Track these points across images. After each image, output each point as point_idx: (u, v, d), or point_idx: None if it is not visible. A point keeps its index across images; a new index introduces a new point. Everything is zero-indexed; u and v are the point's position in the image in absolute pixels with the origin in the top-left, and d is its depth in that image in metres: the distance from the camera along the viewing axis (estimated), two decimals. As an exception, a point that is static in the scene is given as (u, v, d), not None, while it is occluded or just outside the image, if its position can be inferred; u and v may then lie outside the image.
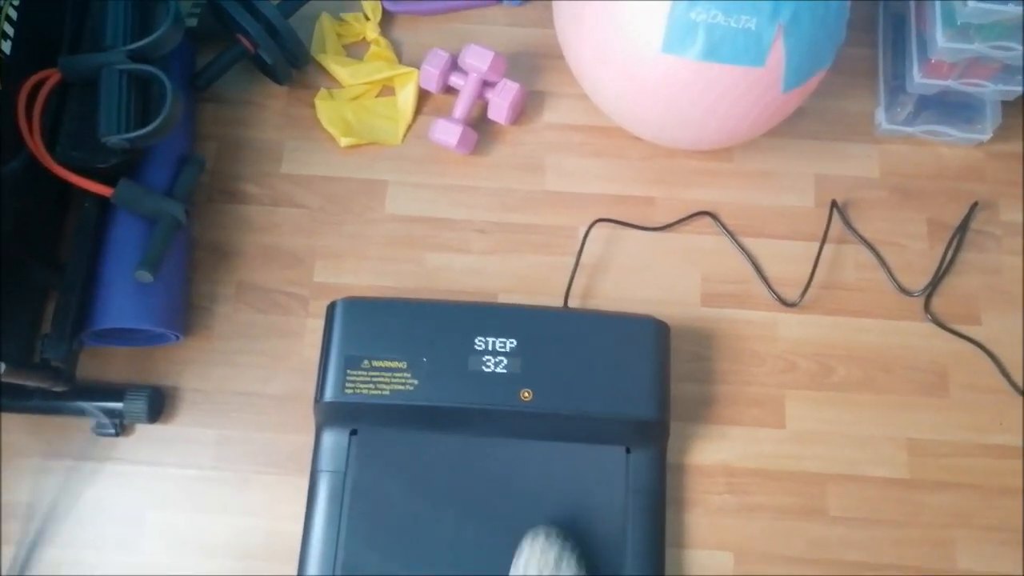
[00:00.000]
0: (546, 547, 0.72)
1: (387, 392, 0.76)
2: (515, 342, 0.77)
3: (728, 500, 0.82)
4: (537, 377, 0.76)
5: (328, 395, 0.76)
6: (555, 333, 0.78)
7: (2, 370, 0.66)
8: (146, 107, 0.80)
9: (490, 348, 0.77)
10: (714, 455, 0.83)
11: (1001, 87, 0.83)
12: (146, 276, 0.77)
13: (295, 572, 0.77)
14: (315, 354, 0.80)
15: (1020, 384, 0.84)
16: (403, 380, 0.76)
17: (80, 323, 0.78)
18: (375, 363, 0.77)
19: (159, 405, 0.83)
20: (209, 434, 0.84)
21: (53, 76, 0.79)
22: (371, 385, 0.76)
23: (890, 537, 0.80)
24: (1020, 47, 0.77)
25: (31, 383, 0.74)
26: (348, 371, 0.76)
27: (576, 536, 0.74)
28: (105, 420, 0.81)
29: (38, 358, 0.75)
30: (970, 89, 0.84)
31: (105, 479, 0.82)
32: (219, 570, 0.79)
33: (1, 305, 0.74)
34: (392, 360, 0.77)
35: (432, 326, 0.78)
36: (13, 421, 0.83)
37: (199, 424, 0.84)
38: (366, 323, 0.78)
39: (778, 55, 0.72)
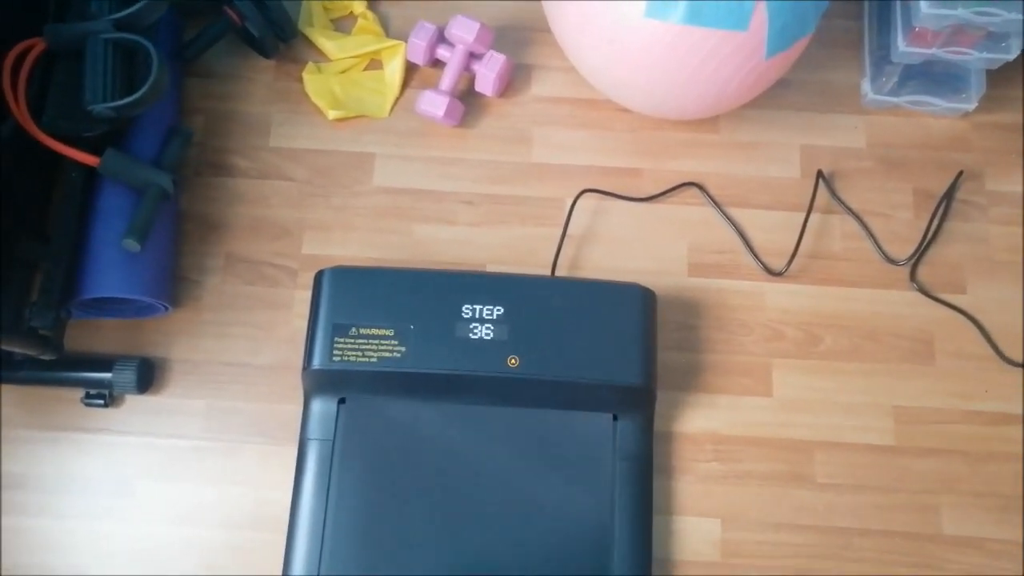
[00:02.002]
0: None
1: (375, 359, 0.76)
2: (502, 309, 0.77)
3: (715, 467, 0.82)
4: (524, 344, 0.77)
5: (316, 363, 0.76)
6: (542, 300, 0.78)
7: (-12, 335, 0.66)
8: (132, 77, 0.80)
9: (477, 315, 0.77)
10: (702, 423, 0.83)
11: (985, 55, 0.84)
12: (133, 245, 0.77)
13: (284, 540, 0.77)
14: (304, 325, 0.80)
15: (1005, 352, 0.85)
16: (391, 347, 0.76)
17: (68, 291, 0.78)
18: (363, 331, 0.77)
19: (148, 376, 0.83)
20: (198, 404, 0.84)
21: (38, 45, 0.79)
22: (359, 352, 0.76)
23: (876, 503, 0.81)
24: (1003, 13, 0.77)
25: (18, 350, 0.74)
26: (336, 339, 0.77)
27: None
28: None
29: (25, 327, 0.75)
30: (955, 58, 0.84)
31: (95, 450, 0.82)
32: (209, 539, 0.80)
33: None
34: (380, 328, 0.77)
35: (419, 294, 0.78)
36: (3, 392, 0.83)
37: (188, 395, 0.84)
38: (353, 291, 0.79)
39: (761, 19, 0.72)
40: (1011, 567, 0.79)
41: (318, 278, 0.80)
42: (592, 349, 0.77)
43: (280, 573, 0.76)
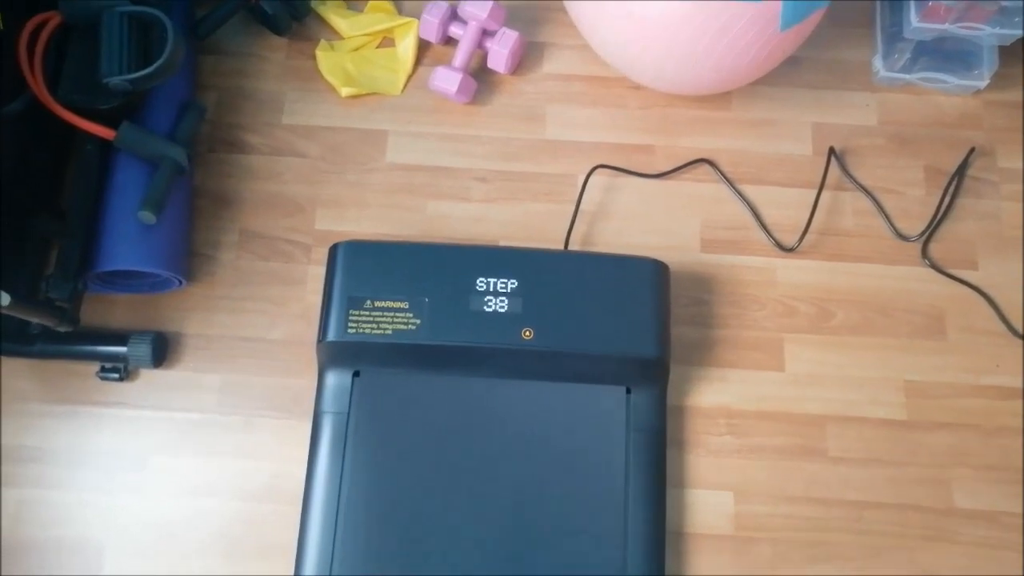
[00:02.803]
0: None
1: (389, 331, 0.76)
2: (516, 282, 0.78)
3: (728, 441, 0.82)
4: (538, 316, 0.77)
5: (331, 335, 0.77)
6: (556, 274, 0.79)
7: (7, 303, 0.66)
8: (147, 51, 0.80)
9: (491, 288, 0.77)
10: (714, 397, 0.84)
11: (998, 31, 0.84)
12: (149, 217, 0.77)
13: (299, 512, 0.77)
14: (318, 300, 0.81)
15: (1017, 327, 0.85)
16: (405, 320, 0.77)
17: (84, 264, 0.78)
18: (377, 303, 0.77)
19: (163, 350, 0.83)
20: (213, 379, 0.84)
21: (54, 18, 0.79)
22: (373, 325, 0.77)
23: (888, 476, 0.81)
24: (1017, -14, 0.77)
25: (35, 320, 0.74)
26: (351, 311, 0.77)
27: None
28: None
29: (42, 298, 0.76)
30: (967, 33, 0.85)
31: (110, 423, 0.83)
32: (223, 511, 0.80)
33: (2, 248, 0.74)
34: (394, 300, 0.77)
35: (434, 267, 0.78)
36: (18, 367, 0.84)
37: (203, 369, 0.84)
38: (368, 265, 0.79)
39: (777, -10, 0.72)
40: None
41: (332, 252, 0.80)
42: (606, 322, 0.77)
43: (295, 544, 0.76)
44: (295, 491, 0.79)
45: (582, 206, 0.88)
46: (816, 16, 0.79)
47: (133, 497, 0.81)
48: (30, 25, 0.78)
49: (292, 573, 0.75)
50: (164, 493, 0.81)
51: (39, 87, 0.77)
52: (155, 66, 0.77)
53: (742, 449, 0.82)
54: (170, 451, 0.82)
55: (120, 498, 0.81)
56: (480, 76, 0.94)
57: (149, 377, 0.84)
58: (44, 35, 0.79)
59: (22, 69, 0.77)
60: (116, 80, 0.77)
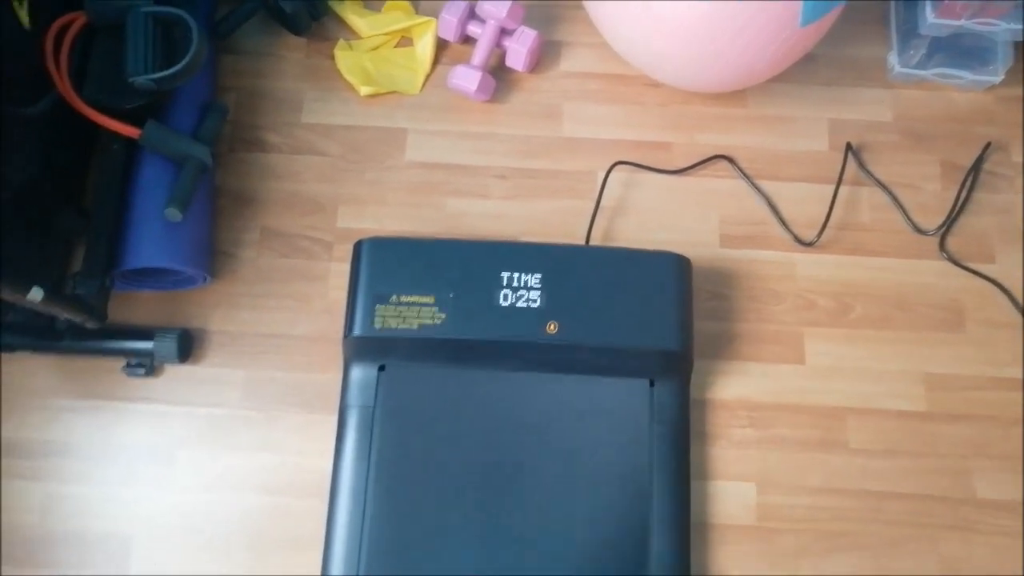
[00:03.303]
0: None
1: (415, 326, 0.77)
2: (540, 276, 0.78)
3: (750, 433, 0.83)
4: (563, 310, 0.77)
5: (357, 330, 0.77)
6: (579, 268, 0.79)
7: (39, 298, 0.67)
8: (171, 51, 0.81)
9: (516, 283, 0.78)
10: (736, 390, 0.84)
11: (1014, 26, 0.85)
12: (176, 214, 0.78)
13: (323, 506, 0.78)
14: (340, 297, 0.82)
15: (1034, 319, 0.86)
16: (431, 314, 0.77)
17: (110, 261, 0.79)
18: (403, 298, 0.78)
19: (189, 346, 0.84)
20: (237, 374, 0.85)
21: (79, 19, 0.80)
22: (400, 319, 0.77)
23: (909, 467, 0.82)
24: (1033, -19, 0.78)
25: (64, 315, 0.75)
26: (377, 306, 0.78)
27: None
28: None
29: (70, 293, 0.76)
30: (982, 29, 0.86)
31: (135, 418, 0.83)
32: (248, 505, 0.81)
33: (30, 246, 0.75)
34: (420, 295, 0.78)
35: (458, 263, 0.79)
36: (45, 363, 0.84)
37: (227, 365, 0.85)
38: (393, 261, 0.79)
39: (797, -13, 0.73)
40: (1043, 530, 0.80)
41: (357, 248, 0.81)
42: (629, 315, 0.78)
43: (320, 537, 0.77)
44: (319, 485, 0.79)
45: (602, 203, 0.89)
46: (834, 13, 0.80)
47: (158, 491, 0.81)
48: (56, 26, 0.79)
49: (320, 566, 0.76)
50: (189, 487, 0.81)
51: (65, 87, 0.78)
52: (180, 65, 0.78)
53: (764, 441, 0.83)
54: (195, 446, 0.82)
55: (145, 492, 0.81)
56: (498, 74, 0.94)
57: (174, 373, 0.85)
58: (69, 36, 0.79)
59: (48, 69, 0.78)
60: (141, 79, 0.78)
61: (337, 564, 0.75)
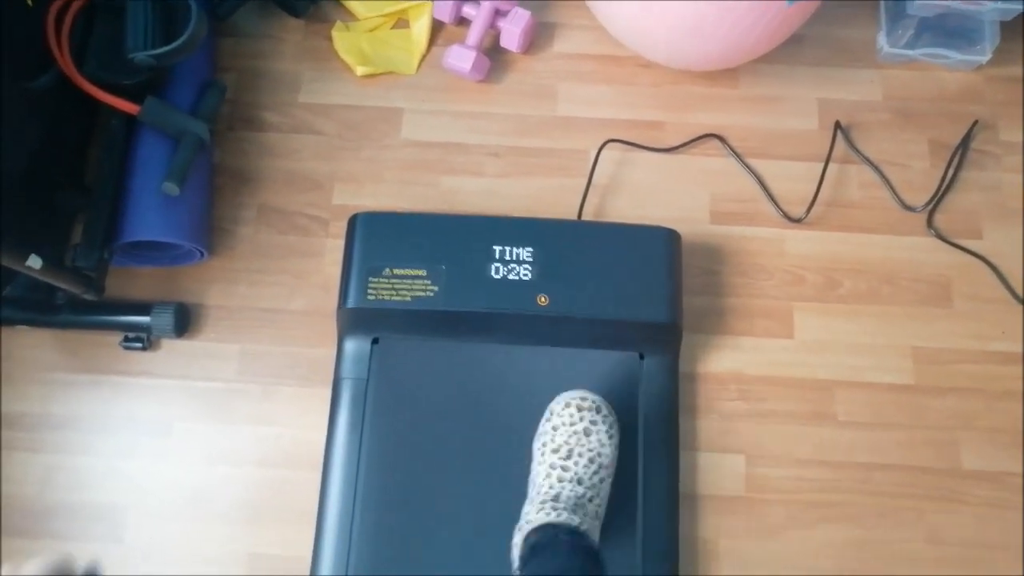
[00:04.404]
0: (576, 417, 0.73)
1: (408, 298, 0.78)
2: (532, 250, 0.79)
3: (739, 406, 0.84)
4: (553, 283, 0.79)
5: (351, 301, 0.79)
6: (571, 242, 0.80)
7: (38, 266, 0.68)
8: (170, 29, 0.82)
9: (508, 256, 0.79)
10: (725, 364, 0.85)
11: (1000, 5, 0.86)
12: (173, 188, 0.79)
13: (317, 477, 0.79)
14: (335, 272, 0.83)
15: (1020, 293, 0.87)
16: (424, 287, 0.78)
17: (109, 234, 0.80)
18: (396, 271, 0.79)
19: (186, 320, 0.85)
20: (233, 348, 0.86)
21: (80, -3, 0.81)
22: (393, 292, 0.78)
23: (896, 439, 0.83)
24: (1018, -41, 0.79)
25: (63, 286, 0.76)
26: (370, 279, 0.79)
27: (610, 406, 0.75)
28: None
29: (69, 266, 0.78)
30: (969, 9, 0.87)
31: (133, 392, 0.84)
32: (245, 476, 0.82)
33: (31, 217, 0.76)
34: (413, 268, 0.79)
35: (451, 236, 0.80)
36: (44, 337, 0.86)
37: (223, 339, 0.86)
38: (386, 235, 0.81)
39: (784, -38, 0.74)
40: (1029, 500, 0.81)
41: (352, 222, 0.82)
42: (619, 288, 0.79)
43: (314, 507, 0.78)
44: (313, 457, 0.80)
45: (594, 180, 0.90)
46: (822, -10, 0.81)
47: (156, 463, 0.82)
48: (57, 4, 0.80)
49: (313, 536, 0.77)
50: (186, 459, 0.83)
51: (66, 63, 0.79)
52: (180, 41, 0.79)
53: (753, 414, 0.84)
54: (192, 419, 0.84)
55: (143, 464, 0.82)
56: (493, 55, 0.96)
57: (171, 347, 0.86)
58: (71, 13, 0.81)
59: (50, 46, 0.79)
60: (141, 56, 0.79)
61: (330, 535, 0.76)
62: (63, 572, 0.45)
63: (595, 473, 0.71)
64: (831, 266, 0.88)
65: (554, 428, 0.73)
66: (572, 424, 0.72)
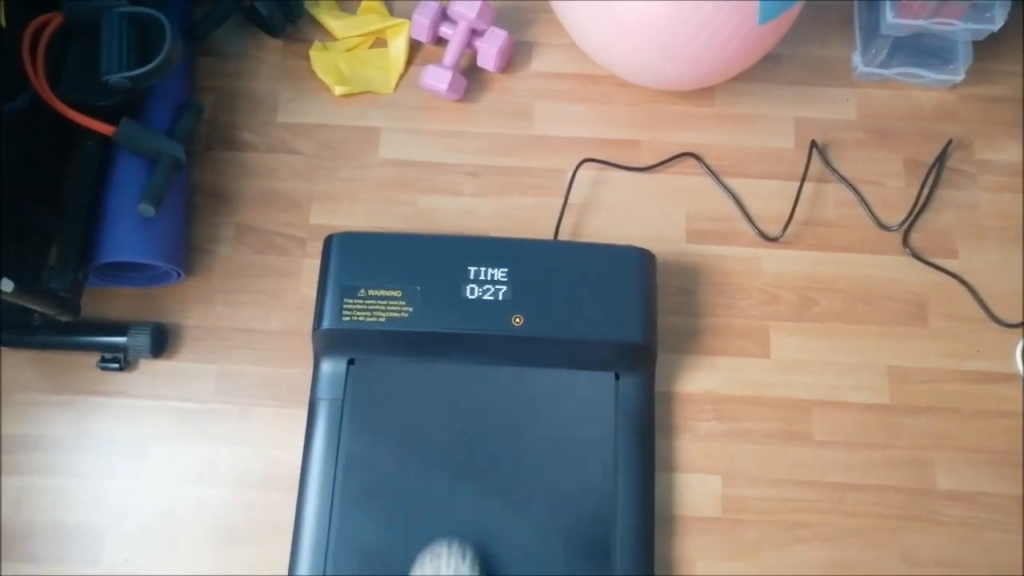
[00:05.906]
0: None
1: (383, 319, 0.78)
2: (506, 270, 0.80)
3: (715, 426, 0.84)
4: (528, 303, 0.79)
5: (326, 323, 0.79)
6: (545, 262, 0.81)
7: (9, 289, 0.68)
8: (146, 51, 0.83)
9: (482, 277, 0.79)
10: (701, 384, 0.86)
11: (971, 26, 0.86)
12: (149, 210, 0.79)
13: (294, 498, 0.79)
14: (312, 292, 0.83)
15: (996, 313, 0.87)
16: (399, 308, 0.79)
17: (84, 255, 0.80)
18: (371, 292, 0.79)
19: (162, 340, 0.85)
20: (210, 369, 0.86)
21: (55, 19, 0.81)
22: (367, 312, 0.78)
23: (872, 459, 0.83)
24: (988, -19, 0.80)
25: (37, 308, 0.76)
26: (345, 300, 0.79)
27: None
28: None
29: (44, 288, 0.78)
30: (942, 29, 0.87)
31: (110, 412, 0.84)
32: (221, 497, 0.82)
33: (3, 243, 0.76)
34: (387, 289, 0.79)
35: (426, 257, 0.80)
36: (19, 358, 0.85)
37: (200, 359, 0.86)
38: (361, 255, 0.81)
39: (753, -15, 0.75)
40: (1004, 519, 0.81)
41: (327, 243, 0.82)
42: (594, 309, 0.79)
43: (290, 529, 0.78)
44: (290, 477, 0.80)
45: (571, 199, 0.91)
46: (793, 12, 0.81)
47: (132, 484, 0.82)
48: (32, 25, 0.80)
49: (288, 557, 0.77)
50: (163, 480, 0.82)
51: (41, 85, 0.79)
52: (154, 63, 0.79)
53: (729, 434, 0.84)
54: (168, 439, 0.84)
55: (119, 485, 0.82)
56: (470, 74, 0.96)
57: (148, 367, 0.86)
58: (46, 35, 0.81)
59: (25, 68, 0.79)
60: (116, 77, 0.79)
61: (305, 556, 0.76)
62: None
63: None
64: (807, 285, 0.89)
65: None
66: None
